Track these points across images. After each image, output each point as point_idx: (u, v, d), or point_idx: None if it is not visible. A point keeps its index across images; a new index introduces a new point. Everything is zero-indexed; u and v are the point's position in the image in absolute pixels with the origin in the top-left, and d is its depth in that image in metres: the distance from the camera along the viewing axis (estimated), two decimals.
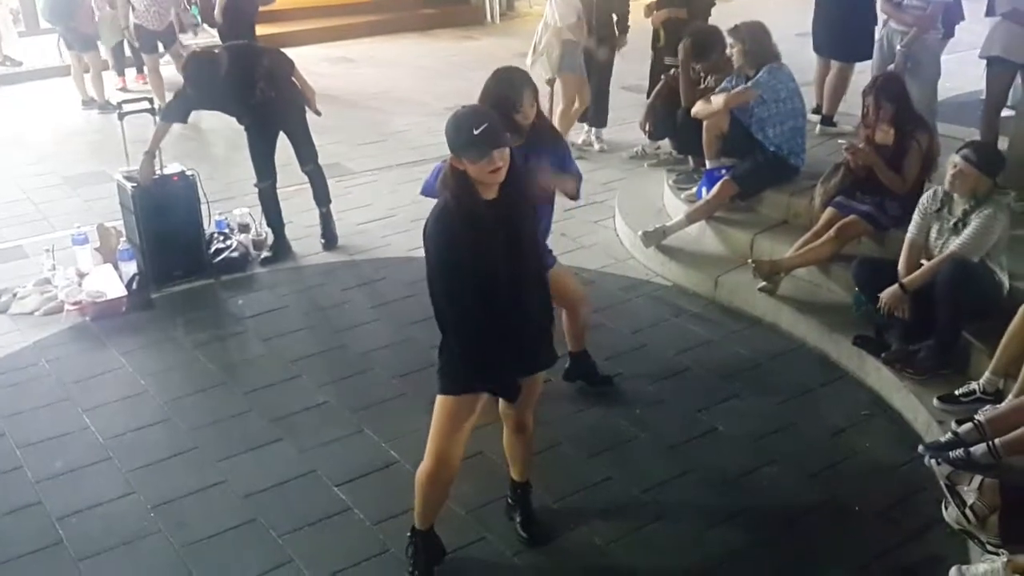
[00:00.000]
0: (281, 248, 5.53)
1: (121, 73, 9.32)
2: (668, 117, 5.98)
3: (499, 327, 2.72)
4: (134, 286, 4.99)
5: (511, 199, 2.69)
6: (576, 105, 6.88)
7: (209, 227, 5.42)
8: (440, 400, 2.88)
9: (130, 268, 5.08)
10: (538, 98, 3.56)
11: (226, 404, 4.10)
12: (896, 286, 3.96)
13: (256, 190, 5.48)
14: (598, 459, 3.68)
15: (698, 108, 5.42)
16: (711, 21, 6.35)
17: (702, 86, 5.65)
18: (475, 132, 2.57)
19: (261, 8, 8.27)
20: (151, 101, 5.38)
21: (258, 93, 5.10)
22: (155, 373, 4.37)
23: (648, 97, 6.41)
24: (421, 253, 2.76)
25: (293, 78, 5.34)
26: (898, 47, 5.65)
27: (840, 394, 4.10)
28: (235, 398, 4.14)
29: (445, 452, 2.88)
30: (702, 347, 4.49)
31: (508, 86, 3.47)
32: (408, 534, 3.11)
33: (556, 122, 6.85)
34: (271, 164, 5.41)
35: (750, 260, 4.76)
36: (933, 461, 3.32)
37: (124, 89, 9.07)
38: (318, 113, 5.46)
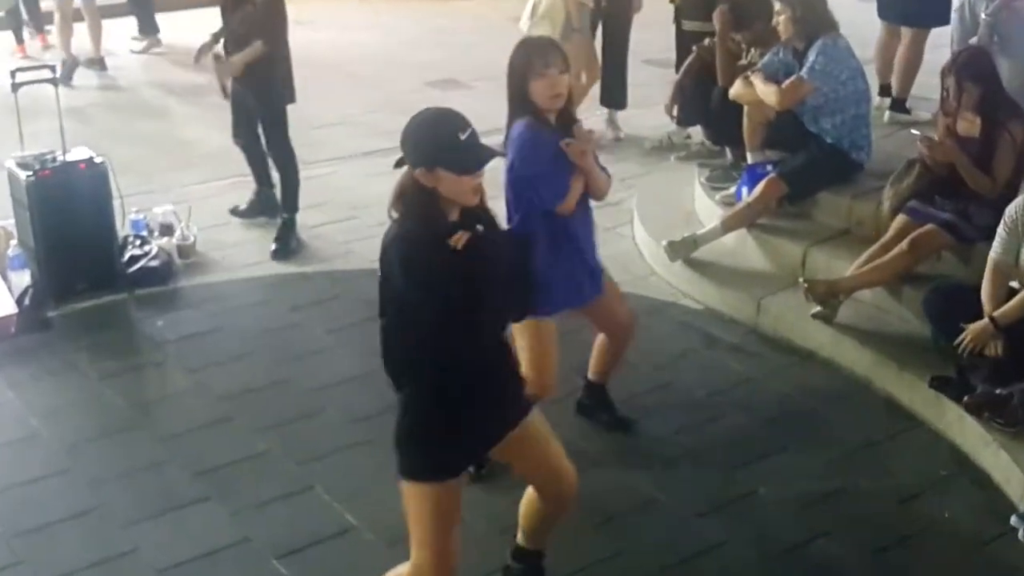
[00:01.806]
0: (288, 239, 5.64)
1: (20, 40, 9.30)
2: (701, 99, 6.00)
3: (484, 375, 2.75)
4: (26, 301, 4.97)
5: (479, 220, 2.71)
6: (583, 80, 6.90)
7: (123, 229, 5.41)
8: (416, 490, 2.79)
9: (22, 279, 5.07)
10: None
11: (139, 452, 4.07)
12: (986, 320, 3.94)
13: None
14: (608, 528, 3.66)
15: (737, 90, 5.44)
16: None
17: (743, 61, 5.67)
18: (461, 137, 2.59)
19: None
20: (52, 69, 5.38)
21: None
22: (50, 411, 4.34)
23: (677, 73, 6.42)
24: None
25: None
26: (982, 16, 5.66)
27: (912, 449, 4.09)
28: (150, 445, 4.11)
29: (443, 549, 2.80)
30: (740, 387, 4.48)
31: (533, 48, 3.57)
32: None
33: None
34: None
35: (802, 279, 4.76)
36: None
37: (24, 57, 9.06)
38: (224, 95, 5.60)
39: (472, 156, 2.61)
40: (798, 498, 3.80)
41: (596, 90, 7.25)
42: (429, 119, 2.66)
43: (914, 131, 4.75)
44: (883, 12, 6.46)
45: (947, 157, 4.54)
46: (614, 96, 7.28)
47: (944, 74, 4.61)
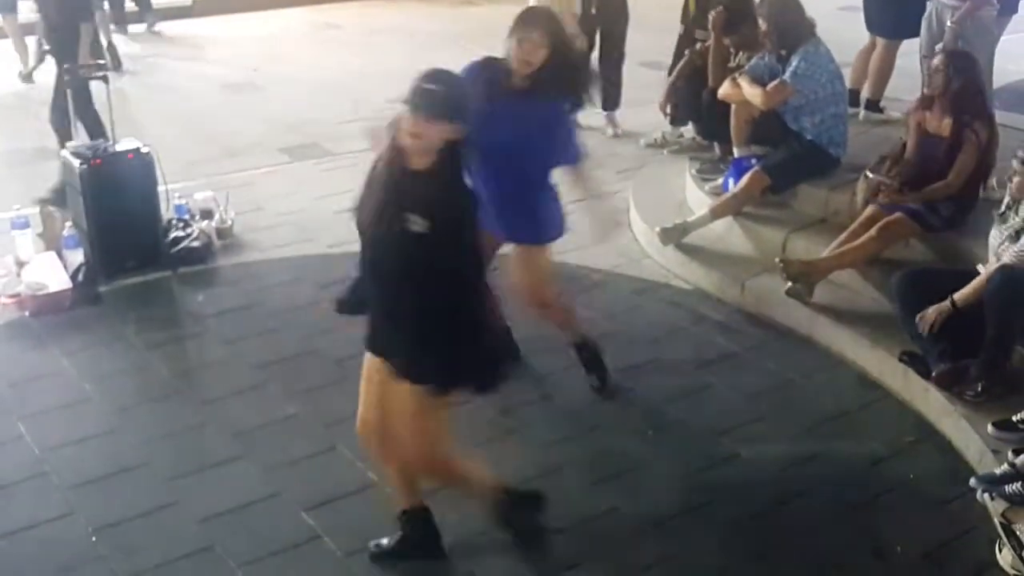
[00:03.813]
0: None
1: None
2: (693, 98, 5.96)
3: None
4: (80, 278, 4.96)
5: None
6: None
7: (167, 212, 5.39)
8: (422, 398, 2.85)
9: (76, 257, 5.05)
10: (556, 41, 3.58)
11: (181, 415, 4.07)
12: (947, 302, 3.91)
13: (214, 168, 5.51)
14: (603, 487, 3.65)
15: (726, 90, 5.40)
16: None
17: (732, 63, 5.63)
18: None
19: None
20: (104, 67, 5.36)
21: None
22: (101, 378, 4.34)
23: (670, 75, 6.38)
24: None
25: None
26: (948, 23, 5.61)
27: (882, 417, 4.07)
28: (191, 408, 4.11)
29: (438, 440, 2.99)
30: (725, 360, 4.46)
31: (526, 15, 3.63)
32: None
33: None
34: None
35: (778, 259, 4.74)
36: (987, 496, 3.29)
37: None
38: None
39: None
40: (777, 461, 3.80)
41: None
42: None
43: (868, 173, 4.68)
44: (869, 23, 6.42)
45: (898, 202, 4.49)
46: (610, 96, 7.23)
47: (932, 69, 4.57)
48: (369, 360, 3.06)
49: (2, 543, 3.36)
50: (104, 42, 8.86)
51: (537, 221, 3.95)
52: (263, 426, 3.99)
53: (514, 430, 3.98)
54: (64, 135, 5.74)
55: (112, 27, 9.17)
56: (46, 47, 6.30)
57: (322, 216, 5.78)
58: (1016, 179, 3.88)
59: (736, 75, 5.35)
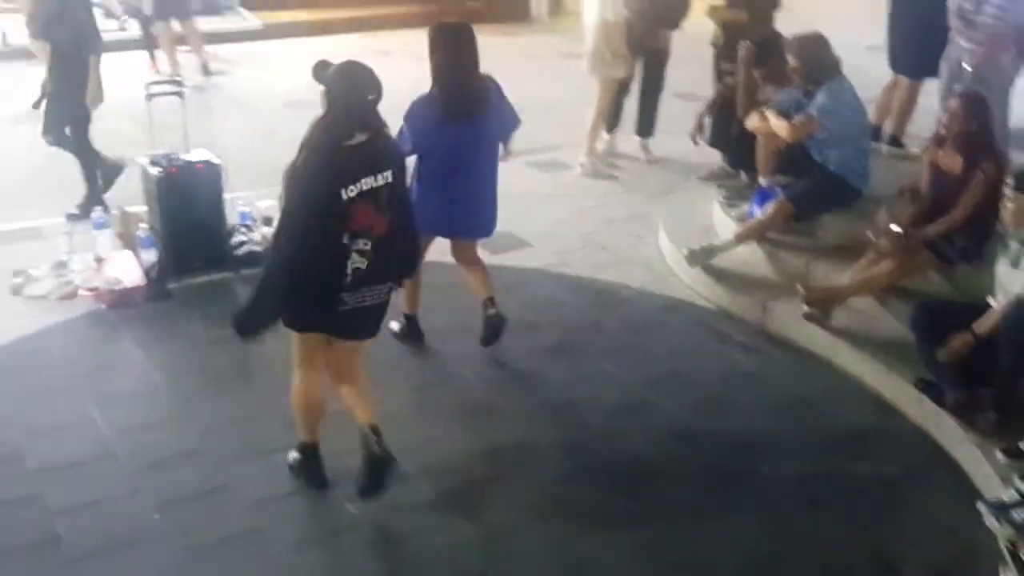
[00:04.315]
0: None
1: (153, 57, 9.44)
2: (722, 129, 5.91)
3: None
4: (153, 275, 5.01)
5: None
6: (597, 113, 6.87)
7: (232, 218, 5.43)
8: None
9: (150, 256, 5.10)
10: None
11: (238, 405, 4.09)
12: (968, 333, 3.81)
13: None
14: (630, 490, 3.62)
15: (754, 122, 5.35)
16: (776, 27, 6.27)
17: (760, 97, 5.58)
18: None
19: None
20: (179, 83, 5.41)
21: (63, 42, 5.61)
22: (169, 368, 4.38)
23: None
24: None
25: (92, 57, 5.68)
26: (967, 67, 5.51)
27: (896, 440, 3.99)
28: (248, 399, 4.13)
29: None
30: (746, 379, 4.40)
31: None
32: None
33: (588, 130, 6.85)
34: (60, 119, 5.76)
35: (799, 285, 4.66)
36: (994, 521, 3.20)
37: (157, 72, 9.19)
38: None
39: None
40: (794, 478, 3.73)
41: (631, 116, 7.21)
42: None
43: (884, 221, 4.60)
44: (893, 63, 6.34)
45: (904, 251, 4.41)
46: (645, 124, 7.21)
47: (947, 110, 4.50)
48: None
49: (72, 516, 3.39)
50: (199, 61, 9.11)
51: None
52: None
53: (541, 435, 3.96)
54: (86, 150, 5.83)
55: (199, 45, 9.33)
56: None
57: None
58: (1009, 206, 3.80)
59: (764, 108, 5.29)
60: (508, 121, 4.38)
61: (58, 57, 5.75)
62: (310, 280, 3.19)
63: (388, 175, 3.23)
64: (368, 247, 3.21)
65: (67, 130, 5.79)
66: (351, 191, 3.15)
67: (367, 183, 3.17)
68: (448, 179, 4.18)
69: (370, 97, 3.17)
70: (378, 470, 3.34)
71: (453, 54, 4.11)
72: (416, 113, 4.11)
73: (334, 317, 3.26)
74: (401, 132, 4.00)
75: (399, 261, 3.41)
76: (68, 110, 5.77)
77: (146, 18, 9.31)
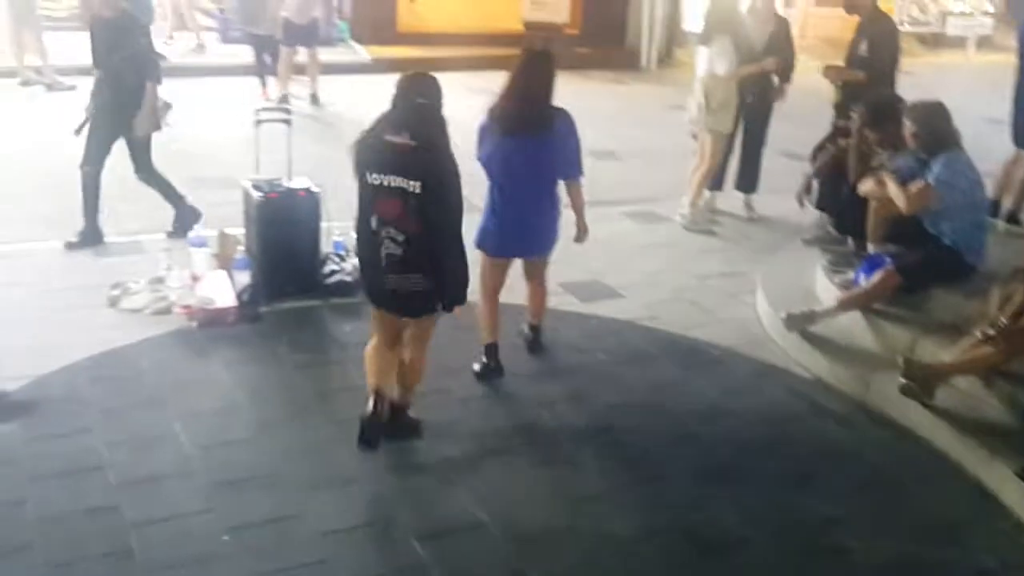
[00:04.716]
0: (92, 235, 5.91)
1: (264, 85, 9.85)
2: (833, 191, 5.82)
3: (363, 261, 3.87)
4: (245, 297, 5.18)
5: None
6: (708, 167, 6.84)
7: (326, 247, 5.57)
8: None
9: (243, 278, 5.28)
10: None
11: (317, 431, 4.17)
12: None
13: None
14: (707, 560, 3.55)
15: (868, 187, 5.26)
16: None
17: (874, 163, 5.48)
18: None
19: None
20: (288, 111, 5.63)
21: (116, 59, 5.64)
22: (252, 389, 4.51)
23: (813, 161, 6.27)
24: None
25: (148, 83, 5.78)
26: None
27: (995, 531, 3.81)
28: (327, 426, 4.20)
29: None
30: (840, 454, 4.28)
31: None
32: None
33: (693, 183, 6.84)
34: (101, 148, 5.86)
35: (900, 356, 4.52)
36: None
37: (267, 99, 9.60)
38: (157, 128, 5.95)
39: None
40: (884, 565, 3.58)
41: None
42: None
43: (995, 303, 4.47)
44: (1017, 139, 6.18)
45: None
46: (748, 181, 7.16)
47: None
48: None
49: (147, 529, 3.49)
50: (310, 90, 9.53)
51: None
52: (390, 450, 4.01)
53: (618, 490, 3.92)
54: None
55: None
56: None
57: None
58: None
59: (882, 174, 5.20)
60: (570, 163, 4.53)
61: (111, 82, 5.76)
62: (361, 256, 3.82)
63: (417, 185, 3.54)
64: (401, 239, 3.60)
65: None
66: (374, 179, 3.61)
67: (393, 181, 3.57)
68: (499, 193, 4.48)
69: (419, 101, 3.61)
70: (369, 428, 3.76)
71: (524, 72, 4.39)
72: (483, 121, 4.47)
73: (380, 294, 3.78)
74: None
75: (450, 285, 3.71)
76: (114, 139, 5.86)
77: (260, 44, 9.74)
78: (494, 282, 4.64)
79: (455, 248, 3.67)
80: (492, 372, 4.61)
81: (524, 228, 4.55)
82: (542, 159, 4.42)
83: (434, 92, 3.68)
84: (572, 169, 4.54)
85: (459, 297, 3.75)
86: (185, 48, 11.38)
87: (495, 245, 4.57)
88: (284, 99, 9.37)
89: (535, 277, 4.78)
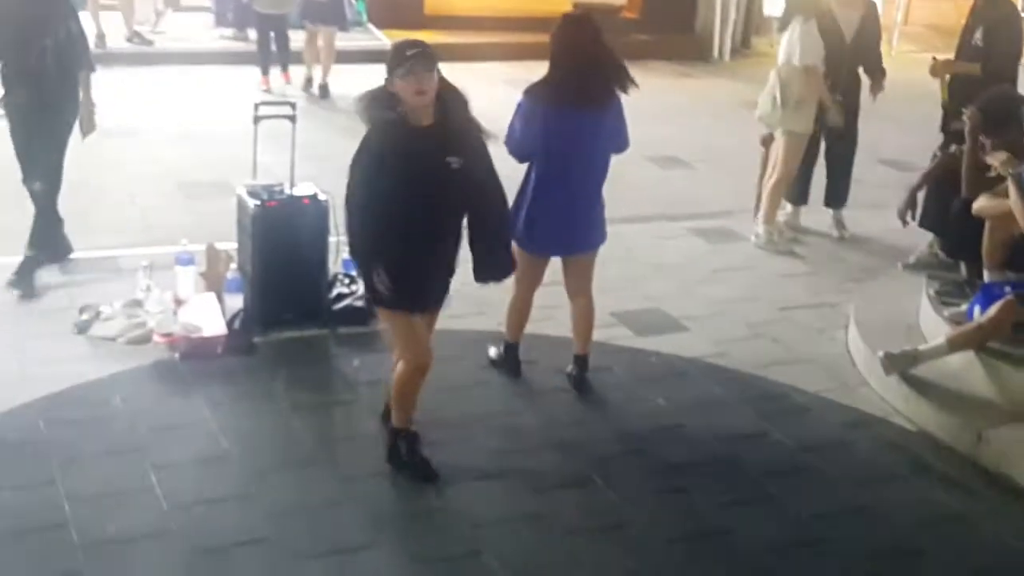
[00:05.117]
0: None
1: (265, 72, 9.98)
2: (940, 207, 5.76)
3: (405, 260, 3.95)
4: (236, 324, 5.20)
5: (447, 128, 3.86)
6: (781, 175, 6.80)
7: (334, 266, 5.57)
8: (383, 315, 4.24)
9: (235, 302, 5.30)
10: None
11: (317, 488, 4.16)
12: None
13: None
14: None
15: (983, 203, 5.22)
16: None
17: (991, 173, 5.41)
18: (407, 53, 3.76)
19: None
20: (292, 106, 5.65)
21: (36, 58, 5.45)
22: (242, 435, 4.51)
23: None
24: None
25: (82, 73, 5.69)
26: None
27: None
28: (329, 483, 4.20)
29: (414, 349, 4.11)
30: (949, 523, 4.21)
31: None
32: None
33: (766, 195, 6.79)
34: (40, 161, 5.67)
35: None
36: None
37: (268, 91, 9.71)
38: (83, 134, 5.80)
39: (411, 67, 3.74)
40: None
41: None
42: (396, 43, 3.96)
43: None
44: None
45: None
46: (836, 194, 7.10)
47: None
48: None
49: None
50: (320, 80, 9.77)
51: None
52: (403, 514, 4.03)
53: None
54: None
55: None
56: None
57: (495, 291, 5.84)
58: None
59: (999, 186, 5.13)
60: (624, 135, 4.76)
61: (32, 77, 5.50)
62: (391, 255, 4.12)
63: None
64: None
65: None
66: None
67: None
68: (547, 177, 4.62)
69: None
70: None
71: (573, 38, 4.55)
72: (527, 96, 4.60)
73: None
74: (510, 127, 4.62)
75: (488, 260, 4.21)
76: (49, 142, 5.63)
77: (268, 24, 9.89)
78: (533, 280, 4.88)
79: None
80: (507, 366, 5.02)
81: (576, 216, 4.72)
82: (603, 133, 4.62)
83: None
84: (625, 142, 4.78)
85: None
86: (142, 16, 11.50)
87: (543, 236, 4.72)
88: (309, 83, 9.98)
89: (582, 291, 4.88)
